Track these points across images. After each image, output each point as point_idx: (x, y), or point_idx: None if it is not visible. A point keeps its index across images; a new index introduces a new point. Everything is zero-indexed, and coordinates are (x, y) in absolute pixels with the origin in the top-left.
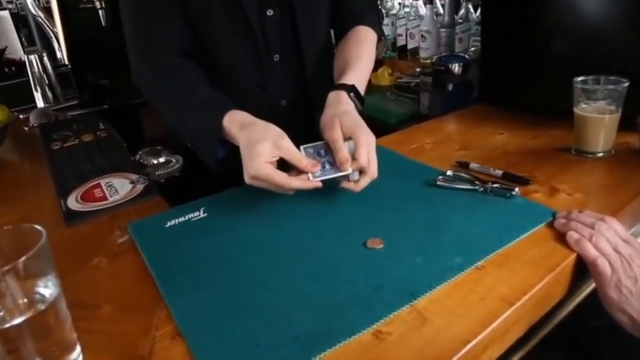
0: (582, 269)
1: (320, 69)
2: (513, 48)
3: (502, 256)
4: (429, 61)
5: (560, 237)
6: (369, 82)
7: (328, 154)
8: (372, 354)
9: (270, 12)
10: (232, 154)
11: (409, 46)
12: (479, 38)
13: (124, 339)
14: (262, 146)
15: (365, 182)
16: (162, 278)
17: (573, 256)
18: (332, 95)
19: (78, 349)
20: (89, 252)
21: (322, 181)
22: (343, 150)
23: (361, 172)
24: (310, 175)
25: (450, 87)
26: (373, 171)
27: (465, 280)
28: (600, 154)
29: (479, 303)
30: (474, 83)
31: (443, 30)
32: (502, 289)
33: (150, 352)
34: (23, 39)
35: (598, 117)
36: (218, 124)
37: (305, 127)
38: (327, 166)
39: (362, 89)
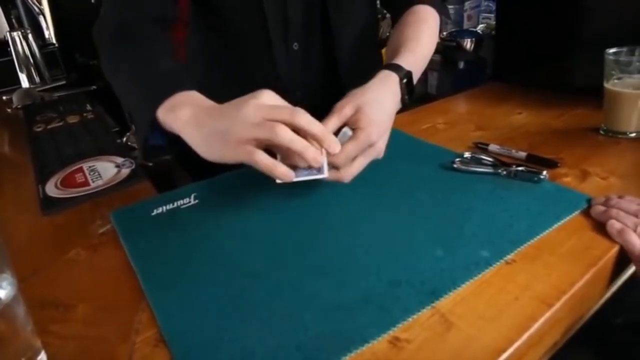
0: (621, 263)
1: (356, 60)
2: (532, 22)
3: (535, 249)
4: None
5: (599, 227)
6: None
7: None
8: None
9: None
10: (176, 145)
11: None
12: (489, 14)
13: (99, 346)
14: (255, 99)
15: (332, 176)
16: (144, 274)
17: (615, 248)
18: (382, 75)
19: (43, 358)
20: (65, 243)
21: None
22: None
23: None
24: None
25: (461, 65)
26: (345, 174)
27: (494, 277)
28: (633, 134)
29: (512, 304)
30: (487, 60)
31: (450, 6)
32: (538, 287)
33: None
34: (13, 20)
35: (633, 92)
36: (162, 97)
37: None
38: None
39: (416, 76)
